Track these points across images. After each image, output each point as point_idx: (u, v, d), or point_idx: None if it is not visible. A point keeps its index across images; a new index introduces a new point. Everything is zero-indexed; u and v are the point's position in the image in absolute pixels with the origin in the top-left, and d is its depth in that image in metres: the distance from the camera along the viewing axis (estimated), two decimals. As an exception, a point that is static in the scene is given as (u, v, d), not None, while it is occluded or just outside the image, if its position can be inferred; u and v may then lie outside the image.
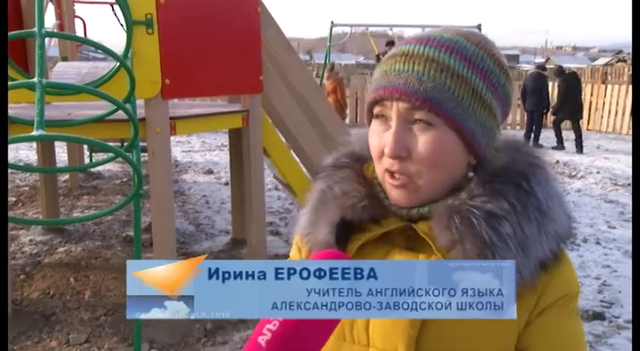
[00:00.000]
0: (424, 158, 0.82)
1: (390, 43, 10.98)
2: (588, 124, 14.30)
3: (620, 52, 49.30)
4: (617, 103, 13.48)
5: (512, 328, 0.84)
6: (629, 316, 3.70)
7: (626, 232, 5.62)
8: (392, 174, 0.85)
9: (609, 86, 13.96)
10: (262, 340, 0.68)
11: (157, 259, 3.64)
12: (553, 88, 12.53)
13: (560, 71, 11.83)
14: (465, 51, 0.83)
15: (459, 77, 0.82)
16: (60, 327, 3.38)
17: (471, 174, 0.86)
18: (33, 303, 3.65)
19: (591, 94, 14.12)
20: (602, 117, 14.05)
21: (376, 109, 0.86)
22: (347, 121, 13.19)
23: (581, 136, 11.00)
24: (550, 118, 11.91)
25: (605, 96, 13.91)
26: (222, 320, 3.43)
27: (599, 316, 3.71)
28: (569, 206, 0.90)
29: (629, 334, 3.47)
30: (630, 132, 13.00)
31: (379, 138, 0.85)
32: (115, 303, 3.65)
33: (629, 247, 5.10)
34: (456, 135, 0.83)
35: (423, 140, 0.82)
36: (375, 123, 0.87)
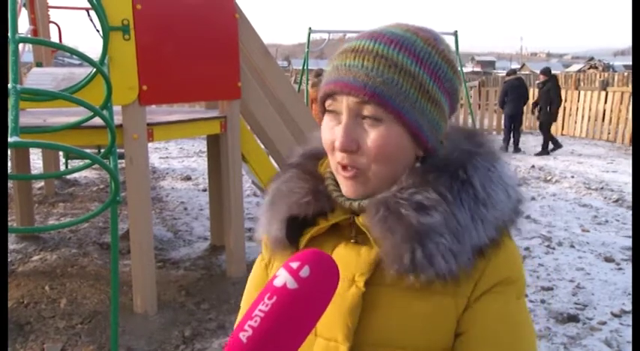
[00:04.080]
0: (373, 152, 0.84)
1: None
2: (562, 129, 14.55)
3: (592, 59, 50.26)
4: (590, 109, 13.73)
5: (451, 315, 0.86)
6: (602, 318, 3.78)
7: (600, 235, 5.73)
8: (344, 167, 0.87)
9: (582, 92, 14.21)
10: (243, 336, 0.69)
11: (134, 265, 3.62)
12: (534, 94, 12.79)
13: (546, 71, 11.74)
14: (414, 47, 0.85)
15: (407, 73, 0.83)
16: (34, 336, 3.33)
17: (418, 165, 0.88)
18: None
19: (565, 100, 14.35)
20: (575, 122, 14.29)
21: (327, 103, 0.88)
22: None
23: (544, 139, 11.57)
24: (536, 123, 12.09)
25: (578, 101, 14.15)
26: (201, 327, 3.41)
27: (573, 319, 3.77)
28: (522, 192, 0.91)
29: (601, 335, 3.54)
30: (603, 137, 13.27)
31: (330, 132, 0.88)
32: (91, 311, 3.61)
33: (602, 250, 5.20)
34: (404, 129, 0.85)
35: (371, 134, 0.84)
36: (326, 117, 0.90)
